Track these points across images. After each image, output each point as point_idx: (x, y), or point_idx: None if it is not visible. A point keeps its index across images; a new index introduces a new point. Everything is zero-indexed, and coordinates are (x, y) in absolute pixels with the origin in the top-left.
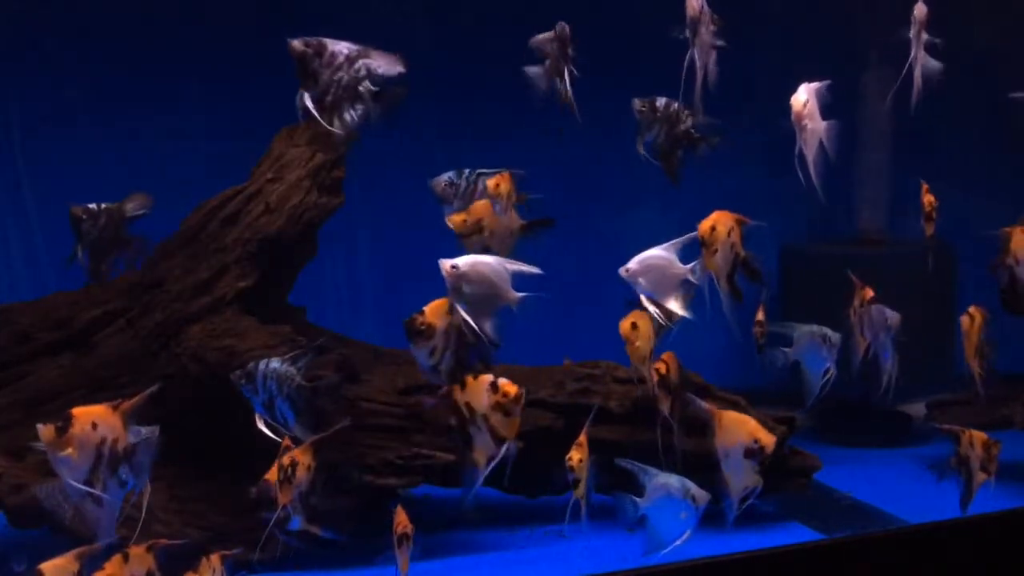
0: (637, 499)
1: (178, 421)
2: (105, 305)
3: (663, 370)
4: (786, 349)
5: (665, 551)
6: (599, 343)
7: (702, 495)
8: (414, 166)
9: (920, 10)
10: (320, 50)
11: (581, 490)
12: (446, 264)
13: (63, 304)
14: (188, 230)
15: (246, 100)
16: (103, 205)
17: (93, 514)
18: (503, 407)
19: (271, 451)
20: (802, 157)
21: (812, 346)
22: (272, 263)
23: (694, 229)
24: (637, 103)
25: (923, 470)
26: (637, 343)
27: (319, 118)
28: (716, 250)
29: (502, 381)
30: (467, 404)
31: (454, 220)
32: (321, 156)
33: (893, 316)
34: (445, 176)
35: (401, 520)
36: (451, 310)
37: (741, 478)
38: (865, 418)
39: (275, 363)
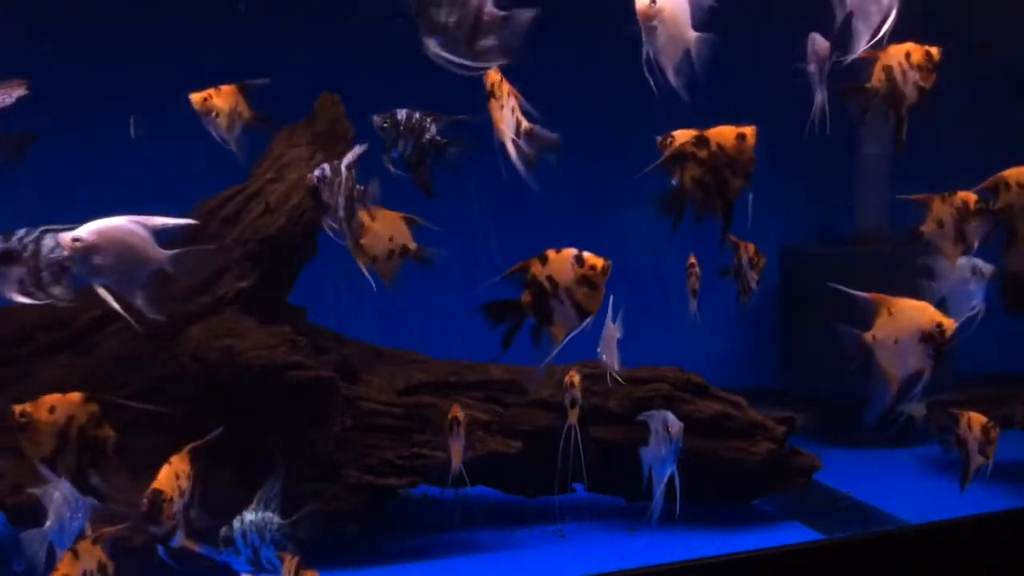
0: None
1: (177, 420)
2: (105, 305)
3: None
4: (931, 283)
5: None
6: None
7: (676, 423)
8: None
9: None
10: None
11: (576, 414)
12: (66, 238)
13: None
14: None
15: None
16: None
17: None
18: (588, 280)
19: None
20: (651, 62)
21: (961, 279)
22: (272, 263)
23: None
24: (377, 119)
25: (923, 470)
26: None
27: None
28: (503, 105)
29: (587, 254)
30: (549, 278)
31: None
32: (321, 156)
33: (986, 266)
34: None
35: (452, 410)
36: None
37: (908, 363)
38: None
39: (249, 515)
